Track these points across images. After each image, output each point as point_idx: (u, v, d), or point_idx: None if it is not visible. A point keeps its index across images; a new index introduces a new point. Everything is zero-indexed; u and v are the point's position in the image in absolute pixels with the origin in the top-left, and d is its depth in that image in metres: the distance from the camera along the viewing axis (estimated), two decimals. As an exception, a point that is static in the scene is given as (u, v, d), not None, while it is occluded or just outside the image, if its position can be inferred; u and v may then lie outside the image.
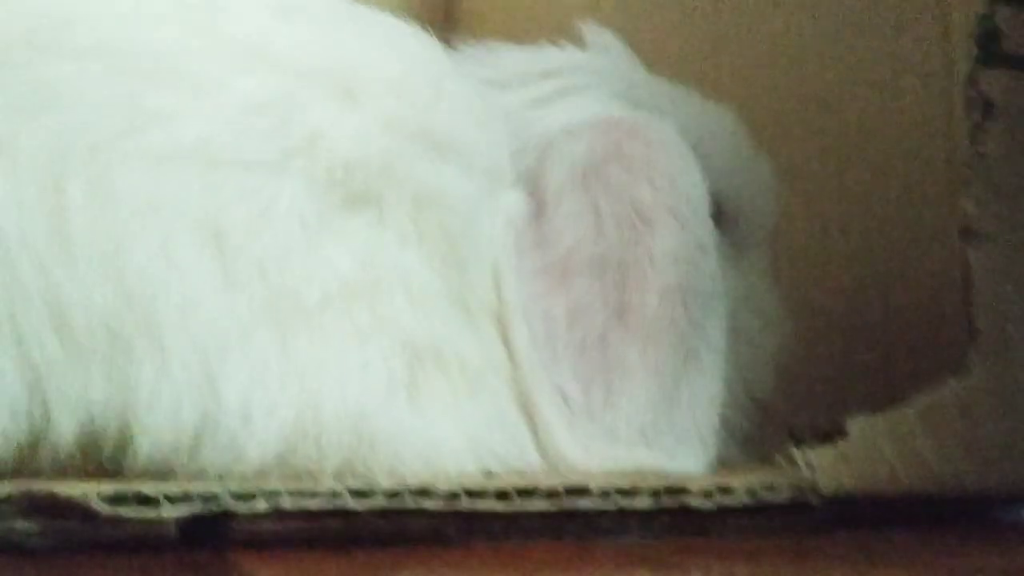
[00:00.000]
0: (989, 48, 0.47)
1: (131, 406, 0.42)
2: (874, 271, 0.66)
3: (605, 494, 0.42)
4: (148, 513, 0.38)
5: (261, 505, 0.39)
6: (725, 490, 0.43)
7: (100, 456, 0.43)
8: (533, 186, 0.52)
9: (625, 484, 0.43)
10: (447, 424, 0.46)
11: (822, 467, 0.44)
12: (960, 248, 0.47)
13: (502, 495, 0.41)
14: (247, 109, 0.46)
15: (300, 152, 0.47)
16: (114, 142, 0.44)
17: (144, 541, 0.38)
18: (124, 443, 0.43)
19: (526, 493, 0.41)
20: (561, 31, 0.59)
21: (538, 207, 0.52)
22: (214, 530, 0.39)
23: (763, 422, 0.58)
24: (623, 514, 0.42)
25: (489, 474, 0.46)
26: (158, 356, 0.42)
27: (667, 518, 0.43)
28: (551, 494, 0.42)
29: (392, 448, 0.45)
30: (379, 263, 0.47)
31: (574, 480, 0.43)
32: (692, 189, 0.52)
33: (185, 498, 0.38)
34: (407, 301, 0.47)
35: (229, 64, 0.47)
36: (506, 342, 0.49)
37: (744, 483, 0.44)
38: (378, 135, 0.48)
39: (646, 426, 0.48)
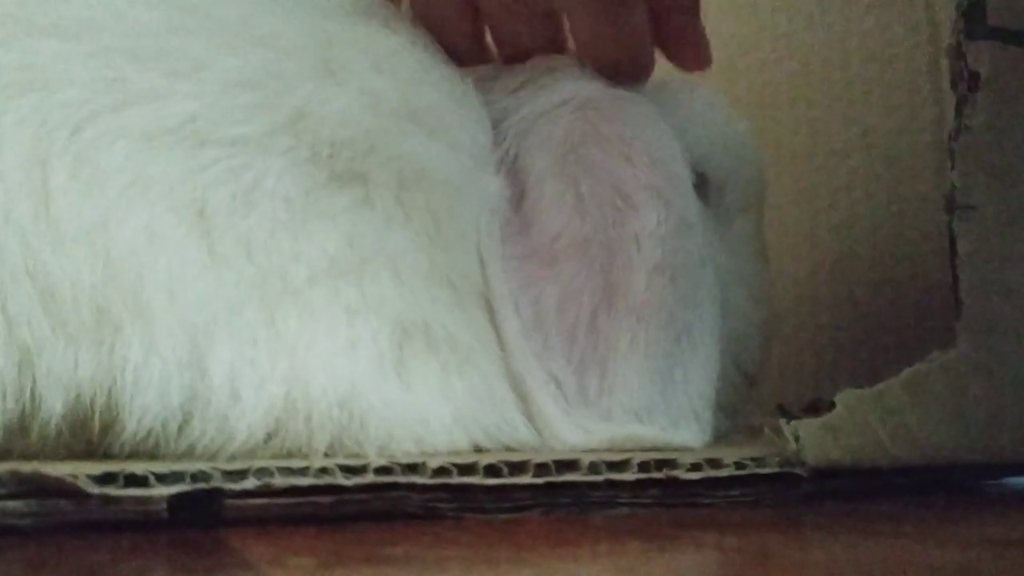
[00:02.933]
0: (975, 20, 0.47)
1: (119, 384, 0.42)
2: (861, 243, 0.66)
3: (595, 468, 0.42)
4: (138, 492, 0.38)
5: (251, 483, 0.39)
6: (713, 462, 0.44)
7: (89, 435, 0.43)
8: (514, 172, 0.52)
9: (615, 457, 0.43)
10: (436, 401, 0.47)
11: (809, 439, 0.44)
12: (946, 220, 0.47)
13: (492, 470, 0.41)
14: (231, 87, 0.46)
15: (285, 130, 0.46)
16: (99, 121, 0.44)
17: (134, 520, 0.38)
18: (112, 421, 0.43)
19: (516, 468, 0.42)
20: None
21: (520, 193, 0.52)
22: (204, 508, 0.39)
23: (751, 394, 0.59)
24: (613, 487, 0.43)
25: (479, 450, 0.47)
26: (145, 334, 0.42)
27: (656, 490, 0.43)
28: (541, 468, 0.42)
29: (382, 425, 0.45)
30: (366, 241, 0.47)
31: (564, 454, 0.43)
32: (672, 165, 0.52)
33: (175, 477, 0.38)
34: (394, 279, 0.47)
35: (213, 43, 0.47)
36: (495, 327, 0.49)
37: (732, 455, 0.44)
38: (363, 113, 0.48)
39: (640, 409, 0.48)
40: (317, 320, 0.45)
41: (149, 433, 0.42)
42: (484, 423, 0.47)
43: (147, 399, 0.42)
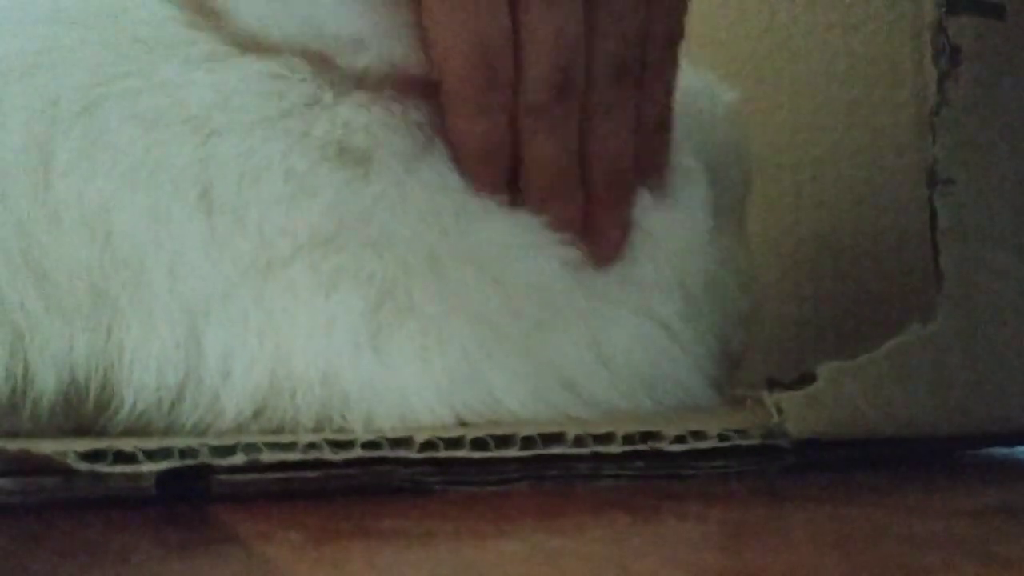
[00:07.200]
0: (956, -5, 0.47)
1: (115, 365, 0.42)
2: (844, 217, 0.67)
3: (580, 440, 0.43)
4: (126, 469, 0.38)
5: (239, 458, 0.39)
6: (697, 434, 0.44)
7: (83, 415, 0.43)
8: None
9: (600, 430, 0.43)
10: (417, 378, 0.46)
11: (791, 411, 0.45)
12: (927, 194, 0.47)
13: (479, 444, 0.42)
14: (251, 80, 0.46)
15: (301, 115, 0.46)
16: (108, 104, 0.44)
17: (123, 497, 0.38)
18: (106, 401, 0.43)
19: (503, 441, 0.42)
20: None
21: None
22: (193, 484, 0.39)
23: (736, 374, 0.59)
24: (598, 459, 0.43)
25: (465, 424, 0.47)
26: (145, 316, 0.42)
27: (641, 462, 0.43)
28: (527, 441, 0.42)
29: (363, 402, 0.45)
30: (349, 214, 0.47)
31: (549, 427, 0.44)
32: None
33: (163, 453, 0.38)
34: (375, 256, 0.46)
35: (232, 39, 0.46)
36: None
37: (716, 427, 0.44)
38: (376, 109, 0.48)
39: None
40: (298, 297, 0.45)
41: (142, 412, 0.42)
42: (466, 398, 0.47)
43: (145, 379, 0.42)
